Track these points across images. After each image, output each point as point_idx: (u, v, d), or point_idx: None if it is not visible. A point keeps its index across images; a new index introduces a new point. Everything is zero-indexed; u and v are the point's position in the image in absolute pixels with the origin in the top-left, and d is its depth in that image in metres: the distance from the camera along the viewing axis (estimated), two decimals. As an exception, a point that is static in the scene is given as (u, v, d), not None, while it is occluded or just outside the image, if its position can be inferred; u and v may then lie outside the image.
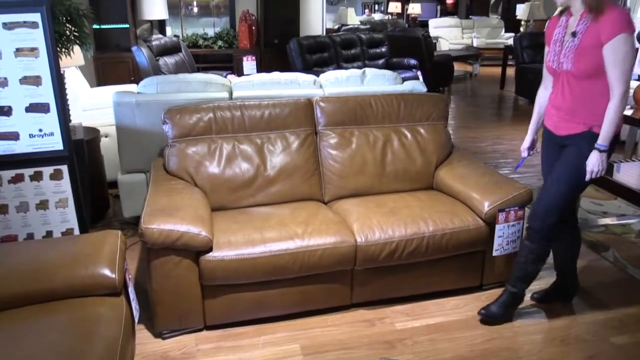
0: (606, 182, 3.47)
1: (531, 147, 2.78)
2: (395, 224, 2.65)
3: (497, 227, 2.69)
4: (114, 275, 1.92)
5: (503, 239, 2.74)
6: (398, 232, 2.62)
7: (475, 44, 11.99)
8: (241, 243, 2.45)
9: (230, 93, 3.53)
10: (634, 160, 3.90)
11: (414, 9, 14.33)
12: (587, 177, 2.33)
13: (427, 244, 2.64)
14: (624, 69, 2.16)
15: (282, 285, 2.55)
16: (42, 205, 2.71)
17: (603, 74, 2.21)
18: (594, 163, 2.29)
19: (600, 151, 2.27)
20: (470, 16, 15.16)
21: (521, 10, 10.85)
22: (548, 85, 2.53)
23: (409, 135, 3.18)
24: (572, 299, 2.88)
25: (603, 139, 2.26)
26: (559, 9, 2.39)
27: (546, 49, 2.45)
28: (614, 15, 2.14)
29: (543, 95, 2.59)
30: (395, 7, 14.90)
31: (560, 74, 2.36)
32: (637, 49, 2.20)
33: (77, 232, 2.78)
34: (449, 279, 2.84)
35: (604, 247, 3.47)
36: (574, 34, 2.26)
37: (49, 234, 2.75)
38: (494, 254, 2.76)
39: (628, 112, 4.55)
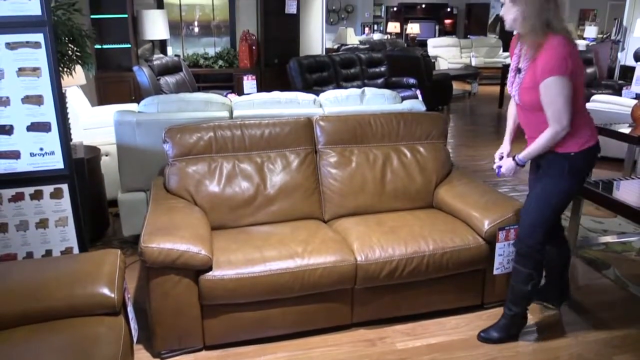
0: (606, 200, 3.47)
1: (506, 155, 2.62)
2: (395, 242, 2.64)
3: (498, 245, 2.69)
4: (113, 295, 1.91)
5: (503, 258, 2.73)
6: (398, 251, 2.61)
7: (473, 63, 12.09)
8: (241, 262, 2.44)
9: (231, 112, 3.55)
10: (633, 178, 3.91)
11: (413, 28, 14.47)
12: (494, 168, 2.54)
13: (428, 263, 2.63)
14: (555, 108, 2.20)
15: (283, 304, 2.53)
16: (42, 223, 2.70)
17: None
18: (507, 168, 2.47)
19: (517, 164, 2.45)
20: (469, 36, 15.30)
21: (519, 30, 10.95)
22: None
23: (408, 154, 3.19)
24: (560, 304, 2.91)
25: (525, 155, 2.41)
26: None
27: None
28: (548, 55, 2.15)
29: (514, 106, 2.59)
30: (394, 27, 15.06)
31: (517, 102, 2.45)
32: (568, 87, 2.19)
33: (76, 250, 2.77)
34: (450, 298, 2.83)
35: (605, 265, 3.46)
36: (519, 70, 2.32)
37: (49, 252, 2.74)
38: (495, 272, 2.75)
39: (626, 130, 4.58)
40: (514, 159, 2.46)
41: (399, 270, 2.60)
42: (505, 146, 2.64)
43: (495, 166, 2.59)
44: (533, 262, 2.51)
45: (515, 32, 2.36)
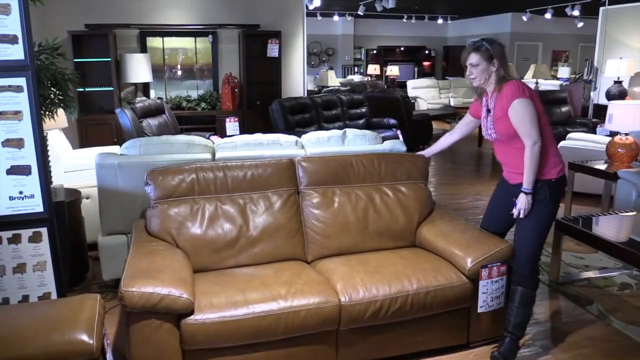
0: (586, 236, 3.51)
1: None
2: (379, 282, 2.63)
3: (481, 283, 2.69)
4: (92, 341, 1.86)
5: (487, 295, 2.73)
6: (382, 291, 2.59)
7: (452, 104, 12.34)
8: (223, 305, 2.40)
9: (213, 154, 3.55)
10: (610, 214, 3.97)
11: (392, 70, 14.80)
12: (515, 215, 2.71)
13: (412, 302, 2.62)
14: (525, 126, 2.59)
15: (266, 348, 2.48)
16: (19, 268, 2.64)
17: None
18: (522, 202, 2.66)
19: (526, 194, 2.65)
20: (447, 77, 15.67)
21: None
22: (454, 133, 3.18)
23: (390, 193, 3.21)
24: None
25: (527, 184, 2.64)
26: (476, 94, 2.87)
27: (467, 117, 3.06)
28: (509, 87, 2.63)
29: (447, 137, 3.23)
30: (374, 69, 15.37)
31: (494, 141, 2.81)
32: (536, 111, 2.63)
33: (54, 296, 2.70)
34: (435, 338, 2.80)
35: (588, 301, 3.47)
36: (489, 110, 2.76)
37: (25, 298, 2.67)
38: (479, 310, 2.74)
39: (602, 166, 4.67)
40: (522, 192, 2.67)
41: (384, 310, 2.58)
42: (426, 153, 3.33)
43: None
44: (536, 284, 2.77)
45: (473, 99, 2.93)
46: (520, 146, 2.64)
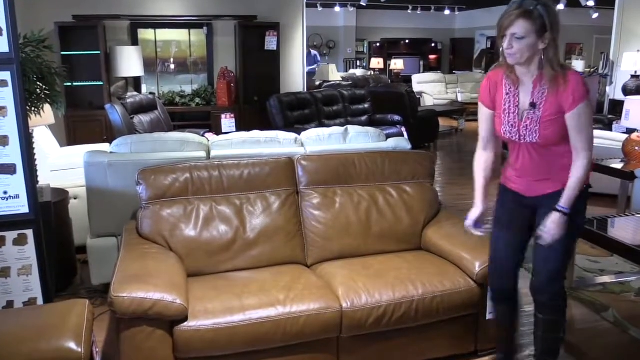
0: (601, 239, 3.50)
1: (481, 220, 2.51)
2: (382, 287, 2.63)
3: (489, 288, 2.69)
4: (80, 349, 1.87)
5: (497, 302, 2.72)
6: (386, 296, 2.59)
7: (459, 99, 12.35)
8: (219, 311, 2.40)
9: (208, 152, 3.56)
10: (627, 215, 3.97)
11: (397, 64, 14.80)
12: (545, 241, 2.28)
13: (417, 308, 2.62)
14: (586, 134, 2.21)
15: (264, 356, 2.48)
16: (4, 272, 2.64)
17: (566, 138, 2.24)
18: (557, 225, 2.24)
19: (564, 214, 2.25)
20: (454, 71, 15.67)
21: (505, 65, 11.24)
22: (488, 147, 2.46)
23: (394, 194, 3.21)
24: None
25: (568, 201, 2.25)
26: (494, 66, 2.35)
27: (484, 111, 2.40)
28: (574, 84, 2.15)
29: (485, 159, 2.46)
30: (377, 63, 15.37)
31: (520, 144, 2.32)
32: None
33: (40, 301, 2.70)
34: (441, 346, 2.80)
35: (604, 307, 3.47)
36: (533, 105, 2.23)
37: (10, 304, 2.67)
38: (488, 317, 2.74)
39: (618, 165, 4.67)
40: (556, 211, 2.25)
41: (387, 316, 2.58)
42: (479, 208, 2.47)
43: (473, 230, 2.48)
44: (563, 308, 2.48)
45: (500, 77, 2.31)
46: (560, 152, 2.27)
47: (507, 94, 2.30)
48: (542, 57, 2.17)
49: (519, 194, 2.43)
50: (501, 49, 2.20)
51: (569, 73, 2.17)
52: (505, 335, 2.71)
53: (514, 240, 2.48)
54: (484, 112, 2.41)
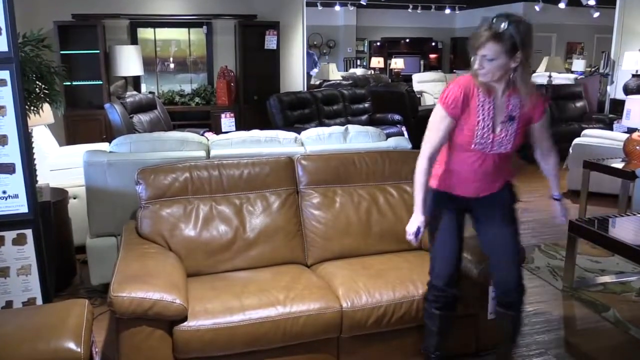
0: (602, 239, 3.51)
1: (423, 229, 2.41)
2: (382, 287, 2.63)
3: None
4: (79, 349, 1.86)
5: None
6: (386, 296, 2.59)
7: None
8: (218, 311, 2.40)
9: (208, 152, 3.56)
10: (628, 215, 3.97)
11: (397, 63, 14.78)
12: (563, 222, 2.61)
13: (418, 308, 2.62)
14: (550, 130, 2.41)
15: (264, 356, 2.48)
16: (3, 272, 2.65)
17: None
18: (564, 211, 2.57)
19: (560, 200, 2.58)
20: (454, 70, 15.66)
21: (505, 64, 11.22)
22: (434, 157, 2.36)
23: (395, 193, 3.21)
24: None
25: (559, 189, 2.58)
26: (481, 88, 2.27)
27: (447, 119, 2.28)
28: (540, 97, 2.30)
29: (430, 168, 2.37)
30: (377, 62, 15.35)
31: (486, 153, 2.32)
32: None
33: (40, 301, 2.71)
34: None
35: (604, 308, 3.47)
36: (512, 118, 2.26)
37: (9, 304, 2.67)
38: (489, 317, 2.73)
39: (619, 165, 4.67)
40: (555, 199, 2.60)
41: (388, 316, 2.58)
42: (422, 217, 2.37)
43: (414, 240, 2.39)
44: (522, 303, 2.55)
45: (472, 89, 2.25)
46: (512, 154, 2.37)
47: (481, 104, 2.25)
48: (513, 74, 2.18)
49: (460, 198, 2.44)
50: (472, 67, 2.20)
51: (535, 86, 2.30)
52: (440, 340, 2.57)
53: (458, 245, 2.47)
54: (445, 121, 2.28)
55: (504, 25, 2.07)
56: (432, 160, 2.34)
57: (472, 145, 2.29)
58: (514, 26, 2.07)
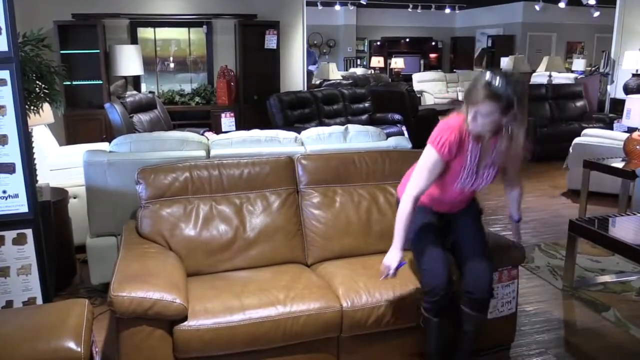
0: (602, 238, 3.51)
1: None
2: (382, 287, 2.63)
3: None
4: (79, 349, 1.87)
5: (498, 300, 2.73)
6: (386, 296, 2.59)
7: (460, 98, 12.32)
8: (218, 311, 2.40)
9: (208, 151, 3.56)
10: (628, 215, 3.97)
11: (397, 63, 14.78)
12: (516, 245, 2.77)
13: (417, 308, 2.61)
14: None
15: (264, 356, 2.48)
16: (3, 272, 2.65)
17: None
18: (518, 234, 2.77)
19: (518, 222, 2.72)
20: (454, 70, 15.66)
21: (505, 63, 11.26)
22: (419, 199, 2.42)
23: (395, 193, 3.20)
24: None
25: (518, 212, 2.70)
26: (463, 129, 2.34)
27: (440, 163, 2.36)
28: (526, 147, 2.35)
29: (413, 213, 2.42)
30: (377, 62, 15.35)
31: (464, 188, 2.46)
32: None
33: (40, 301, 2.71)
34: (442, 346, 2.80)
35: (604, 307, 3.47)
36: (494, 164, 2.40)
37: (9, 304, 2.67)
38: (490, 316, 2.74)
39: (619, 164, 4.67)
40: (514, 221, 2.73)
41: (388, 316, 2.57)
42: (401, 252, 2.43)
43: (392, 273, 2.43)
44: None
45: (464, 134, 2.34)
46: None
47: (471, 150, 2.35)
48: (510, 128, 2.26)
49: (440, 212, 2.62)
50: (465, 117, 2.27)
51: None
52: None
53: (444, 251, 2.52)
54: (438, 165, 2.36)
55: (502, 86, 2.15)
56: (417, 201, 2.39)
57: (454, 185, 2.43)
58: (511, 87, 2.15)
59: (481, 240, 2.60)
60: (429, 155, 2.35)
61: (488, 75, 2.18)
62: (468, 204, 2.63)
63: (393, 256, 2.42)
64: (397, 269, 2.44)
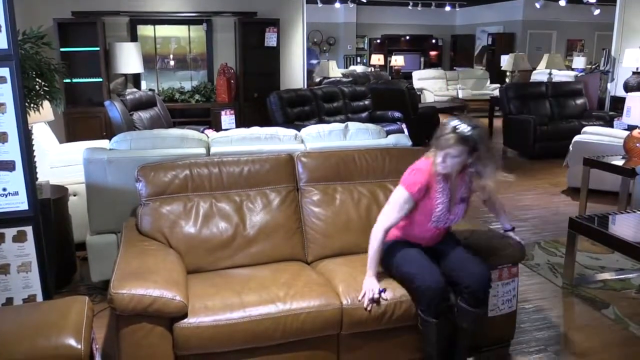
0: (602, 236, 3.51)
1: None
2: (383, 284, 2.63)
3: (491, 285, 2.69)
4: (79, 346, 1.87)
5: (498, 298, 2.73)
6: (386, 294, 2.59)
7: (460, 96, 12.32)
8: (218, 308, 2.41)
9: (208, 149, 3.55)
10: (628, 212, 3.97)
11: (397, 61, 14.77)
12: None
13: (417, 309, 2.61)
14: None
15: (264, 353, 2.49)
16: (3, 269, 2.65)
17: None
18: (516, 239, 2.87)
19: (512, 230, 2.93)
20: (455, 67, 15.65)
21: (505, 62, 11.25)
22: (389, 230, 2.63)
23: (395, 190, 3.20)
24: None
25: (508, 221, 2.95)
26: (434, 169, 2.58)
27: (410, 201, 2.58)
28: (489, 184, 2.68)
29: (383, 241, 2.62)
30: (377, 60, 15.34)
31: (440, 227, 2.65)
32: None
33: (40, 298, 2.71)
34: (442, 343, 2.80)
35: (604, 304, 3.47)
36: (464, 200, 2.66)
37: (9, 301, 2.68)
38: (490, 314, 2.74)
39: (619, 162, 4.67)
40: (507, 231, 2.92)
41: (388, 314, 2.57)
42: (375, 277, 2.60)
43: (379, 296, 2.54)
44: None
45: (435, 173, 2.58)
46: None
47: (441, 190, 2.59)
48: (476, 167, 2.56)
49: (425, 245, 2.72)
50: (434, 160, 2.55)
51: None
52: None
53: (433, 262, 2.60)
54: (408, 203, 2.59)
55: (468, 131, 2.46)
56: (387, 232, 2.62)
57: (429, 224, 2.62)
58: (476, 132, 2.47)
59: (469, 253, 2.65)
60: (400, 194, 2.60)
61: (455, 121, 2.49)
62: (445, 236, 2.76)
63: (371, 282, 2.58)
64: (381, 292, 2.55)
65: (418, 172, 2.60)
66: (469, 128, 2.46)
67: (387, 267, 2.68)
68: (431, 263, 2.57)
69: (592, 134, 5.94)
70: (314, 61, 12.39)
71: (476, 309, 2.55)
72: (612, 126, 6.51)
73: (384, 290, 2.57)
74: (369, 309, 2.52)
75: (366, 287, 2.56)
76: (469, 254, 2.65)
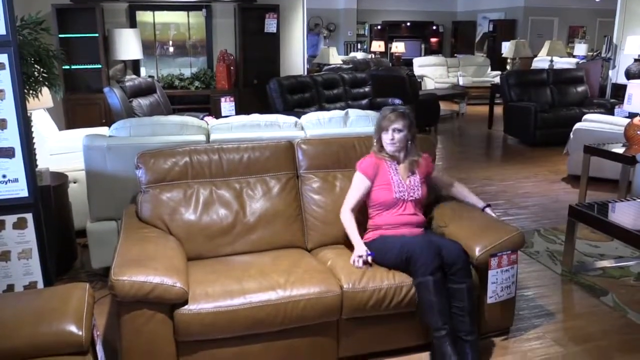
0: (601, 223, 3.51)
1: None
2: (383, 271, 2.64)
3: (490, 272, 2.70)
4: (80, 333, 1.87)
5: (497, 285, 2.74)
6: (386, 280, 2.60)
7: (461, 83, 12.28)
8: (219, 294, 2.42)
9: (208, 136, 3.55)
10: (628, 200, 3.97)
11: (398, 47, 14.70)
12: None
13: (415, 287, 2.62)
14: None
15: (264, 339, 2.50)
16: (4, 256, 2.65)
17: (428, 196, 3.04)
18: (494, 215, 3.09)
19: (489, 206, 3.13)
20: (455, 54, 15.57)
21: (507, 48, 11.20)
22: (354, 209, 2.91)
23: (395, 177, 3.20)
24: None
25: (479, 200, 3.15)
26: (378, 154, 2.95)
27: (365, 182, 2.89)
28: (427, 157, 3.08)
29: (353, 216, 2.89)
30: (378, 46, 15.26)
31: (406, 202, 2.89)
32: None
33: (41, 285, 2.72)
34: (442, 330, 2.81)
35: (603, 292, 3.48)
36: (413, 172, 2.95)
37: (10, 287, 2.69)
38: (489, 301, 2.75)
39: (619, 150, 4.67)
40: (484, 209, 3.09)
41: (388, 300, 2.59)
42: (363, 245, 2.78)
43: (361, 264, 2.68)
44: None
45: (380, 156, 2.94)
46: (422, 202, 2.99)
47: (390, 166, 2.93)
48: (408, 145, 2.94)
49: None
50: (378, 143, 2.93)
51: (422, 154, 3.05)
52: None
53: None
54: (363, 182, 2.90)
55: (402, 109, 2.93)
56: (352, 212, 2.90)
57: (394, 194, 2.87)
58: (408, 110, 2.96)
59: (441, 237, 2.86)
60: (355, 177, 2.93)
61: (388, 107, 2.97)
62: (423, 230, 2.94)
63: (359, 247, 2.77)
64: (369, 255, 2.72)
65: (367, 157, 2.97)
66: (402, 108, 2.96)
67: (381, 262, 2.72)
68: (430, 248, 2.63)
69: (592, 122, 5.92)
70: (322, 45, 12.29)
71: (462, 283, 2.60)
72: (613, 114, 6.49)
73: (373, 254, 2.72)
74: (361, 266, 2.67)
75: (356, 252, 2.74)
76: (441, 237, 2.85)
